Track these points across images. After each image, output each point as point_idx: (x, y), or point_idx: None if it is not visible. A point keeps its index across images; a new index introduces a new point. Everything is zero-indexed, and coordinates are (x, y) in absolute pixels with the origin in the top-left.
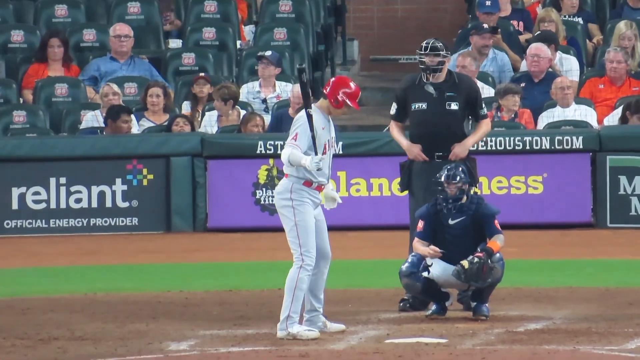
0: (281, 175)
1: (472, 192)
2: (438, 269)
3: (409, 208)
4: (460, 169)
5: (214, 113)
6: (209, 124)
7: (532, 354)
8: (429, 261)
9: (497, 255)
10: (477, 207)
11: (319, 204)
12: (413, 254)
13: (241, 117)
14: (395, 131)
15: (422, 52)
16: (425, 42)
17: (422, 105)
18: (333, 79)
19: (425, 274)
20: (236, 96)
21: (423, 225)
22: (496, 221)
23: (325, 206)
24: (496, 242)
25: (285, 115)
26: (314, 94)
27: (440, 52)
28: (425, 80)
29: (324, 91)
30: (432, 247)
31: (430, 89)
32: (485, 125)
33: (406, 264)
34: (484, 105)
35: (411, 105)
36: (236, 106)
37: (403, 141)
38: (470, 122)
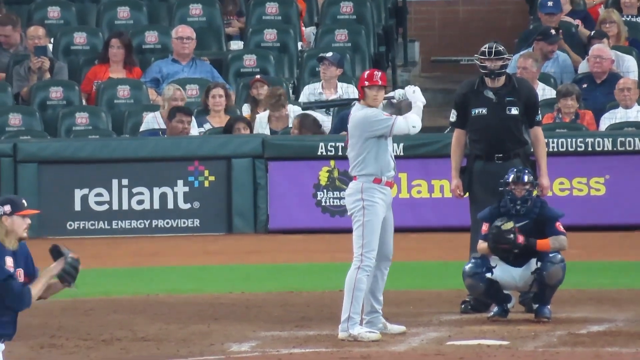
0: (342, 177)
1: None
2: (501, 271)
3: (469, 210)
4: (527, 171)
5: (265, 114)
6: (260, 125)
7: (595, 356)
8: (492, 262)
9: (558, 256)
10: (540, 211)
11: (390, 203)
12: (476, 255)
13: (291, 117)
14: (454, 148)
15: (485, 57)
16: (486, 46)
17: (482, 111)
18: None
19: (488, 275)
20: (282, 98)
21: (487, 227)
22: (558, 223)
23: (407, 91)
24: (548, 242)
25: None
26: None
27: (504, 56)
28: (485, 85)
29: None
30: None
31: (490, 94)
32: (542, 137)
33: (470, 265)
34: (539, 111)
35: (471, 110)
36: (287, 107)
37: (452, 170)
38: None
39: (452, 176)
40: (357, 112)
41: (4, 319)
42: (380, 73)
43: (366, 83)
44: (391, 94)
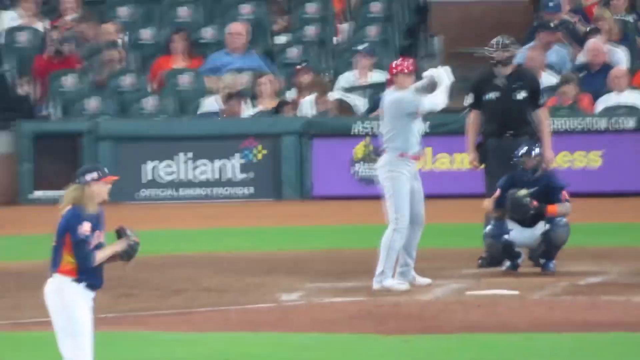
0: (375, 152)
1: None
2: (515, 232)
3: (485, 180)
4: (536, 145)
5: (309, 98)
6: (306, 107)
7: (592, 303)
8: (510, 226)
9: (563, 220)
10: (548, 180)
11: (415, 173)
12: (495, 216)
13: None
14: (470, 127)
15: (493, 49)
16: (495, 39)
17: (493, 95)
18: None
19: (506, 236)
20: (325, 86)
21: (500, 193)
22: (564, 192)
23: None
24: (556, 207)
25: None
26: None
27: (510, 48)
28: (495, 74)
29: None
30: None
31: (499, 82)
32: (546, 118)
33: (490, 227)
34: (542, 94)
35: (485, 95)
36: (329, 92)
37: (469, 145)
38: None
39: (469, 150)
40: (390, 95)
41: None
42: (407, 62)
43: (395, 70)
44: (426, 74)
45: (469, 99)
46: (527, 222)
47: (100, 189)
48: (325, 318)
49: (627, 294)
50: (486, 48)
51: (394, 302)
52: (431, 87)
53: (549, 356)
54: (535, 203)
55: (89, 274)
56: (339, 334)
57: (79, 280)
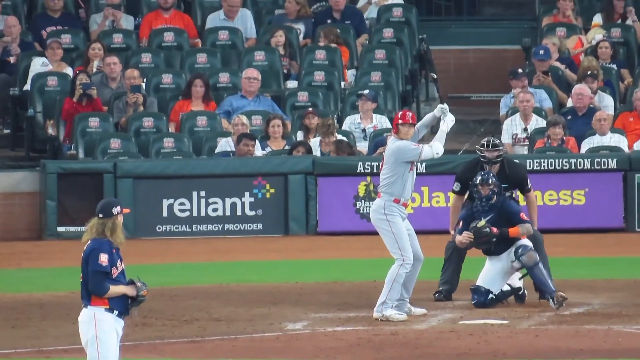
0: (376, 190)
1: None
2: (492, 279)
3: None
4: (492, 174)
5: (317, 140)
6: (314, 147)
7: (575, 332)
8: (481, 283)
9: (528, 245)
10: (502, 205)
11: (405, 217)
12: (472, 287)
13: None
14: (453, 210)
15: (484, 148)
16: (485, 140)
17: None
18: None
19: (491, 296)
20: (331, 127)
21: (462, 224)
22: (522, 214)
23: (440, 113)
24: (517, 228)
25: (382, 142)
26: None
27: (499, 148)
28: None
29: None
30: (464, 234)
31: None
32: (534, 199)
33: (475, 300)
34: (529, 183)
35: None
36: (334, 134)
37: (451, 227)
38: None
39: (452, 230)
40: (392, 144)
41: (121, 300)
42: (411, 113)
43: (400, 121)
44: (436, 110)
45: (456, 187)
46: (498, 250)
47: (121, 220)
48: (328, 346)
49: (608, 323)
50: (477, 147)
51: (392, 331)
52: (434, 124)
53: None
54: (495, 230)
55: (119, 302)
56: None
57: (111, 310)
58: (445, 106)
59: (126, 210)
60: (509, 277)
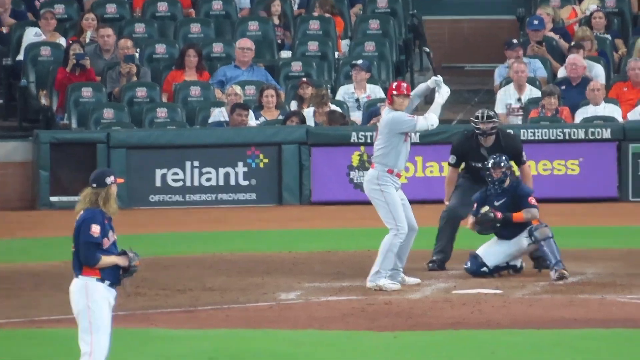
0: (370, 160)
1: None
2: (494, 255)
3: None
4: (504, 157)
5: (311, 110)
6: (307, 118)
7: (569, 301)
8: (481, 254)
9: (543, 224)
10: (514, 189)
11: (399, 187)
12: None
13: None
14: (448, 182)
15: (479, 120)
16: (480, 111)
17: (478, 164)
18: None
19: (484, 268)
20: (325, 97)
21: (476, 206)
22: (531, 198)
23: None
24: (521, 213)
25: (376, 112)
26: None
27: (494, 119)
28: (479, 143)
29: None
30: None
31: (484, 152)
32: (529, 172)
33: (468, 265)
34: (524, 155)
35: (470, 162)
36: (329, 104)
37: (446, 196)
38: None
39: (447, 201)
40: (387, 115)
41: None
42: (406, 84)
43: (394, 92)
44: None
45: (452, 159)
46: (505, 232)
47: (115, 189)
48: (321, 316)
49: (602, 293)
50: (471, 119)
51: (386, 301)
52: (427, 94)
53: (529, 350)
54: (499, 215)
55: (110, 273)
56: (334, 331)
57: (102, 280)
58: (440, 78)
59: (120, 180)
60: (510, 259)
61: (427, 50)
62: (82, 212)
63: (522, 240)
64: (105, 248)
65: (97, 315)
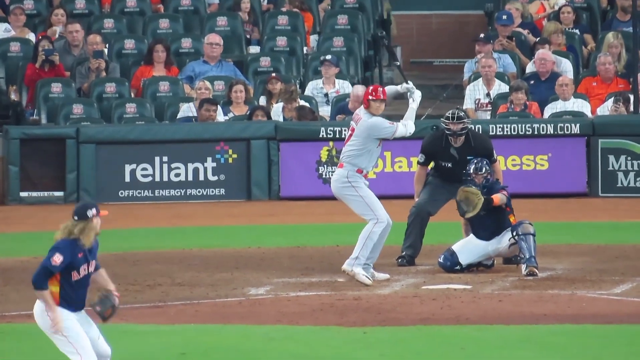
0: (339, 155)
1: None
2: (470, 254)
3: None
4: (485, 162)
5: (279, 105)
6: (276, 113)
7: (539, 297)
8: (457, 250)
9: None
10: (490, 186)
11: (367, 185)
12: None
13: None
14: (417, 179)
15: (449, 121)
16: (450, 112)
17: (448, 164)
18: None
19: (457, 267)
20: (294, 93)
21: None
22: (503, 191)
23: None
24: (497, 196)
25: (344, 107)
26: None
27: (464, 120)
28: (449, 143)
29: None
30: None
31: (454, 153)
32: (499, 169)
33: (442, 260)
34: (495, 153)
35: (439, 162)
36: (297, 99)
37: (416, 194)
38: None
39: (417, 198)
40: (367, 119)
41: (73, 299)
42: (382, 89)
43: (370, 97)
44: (404, 86)
45: (421, 158)
46: (486, 235)
47: (98, 223)
48: (291, 311)
49: (571, 288)
50: (442, 119)
51: (355, 296)
52: (395, 96)
53: (499, 346)
54: (478, 199)
55: (69, 302)
56: (303, 326)
57: (61, 305)
58: (411, 85)
59: (104, 213)
60: (483, 259)
61: (398, 63)
62: (58, 240)
63: (503, 240)
64: (78, 279)
65: (64, 328)
